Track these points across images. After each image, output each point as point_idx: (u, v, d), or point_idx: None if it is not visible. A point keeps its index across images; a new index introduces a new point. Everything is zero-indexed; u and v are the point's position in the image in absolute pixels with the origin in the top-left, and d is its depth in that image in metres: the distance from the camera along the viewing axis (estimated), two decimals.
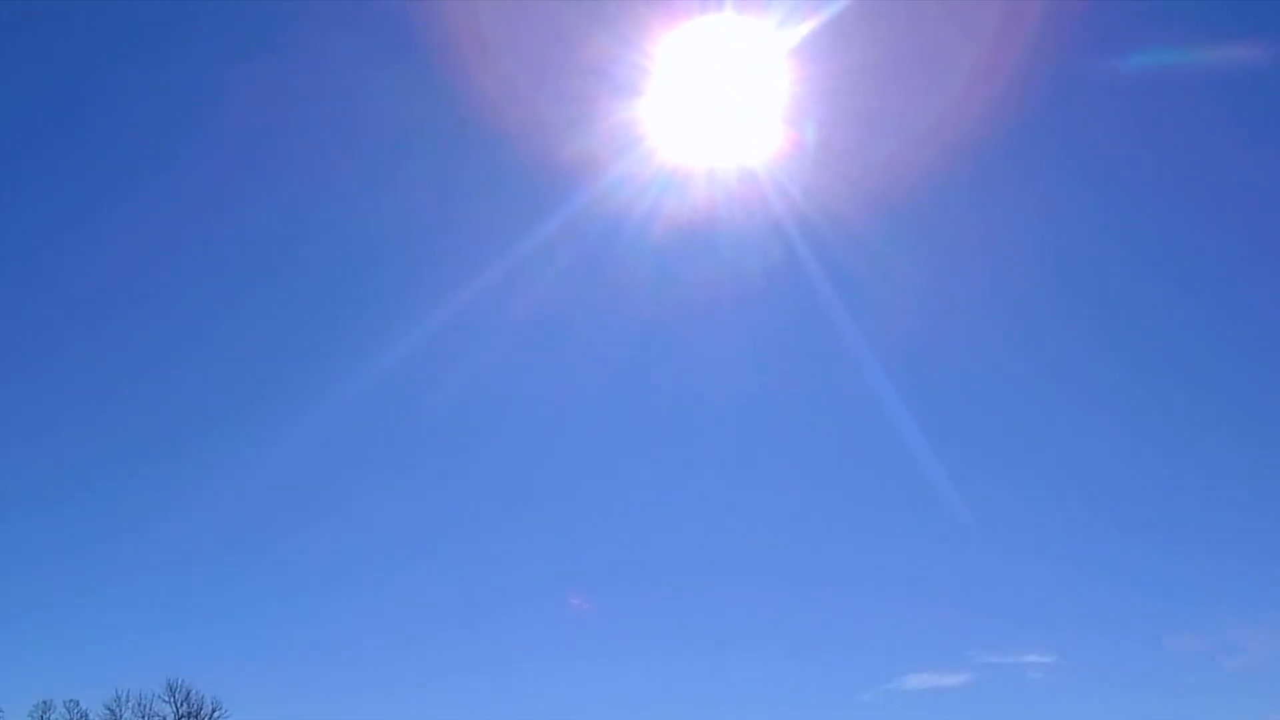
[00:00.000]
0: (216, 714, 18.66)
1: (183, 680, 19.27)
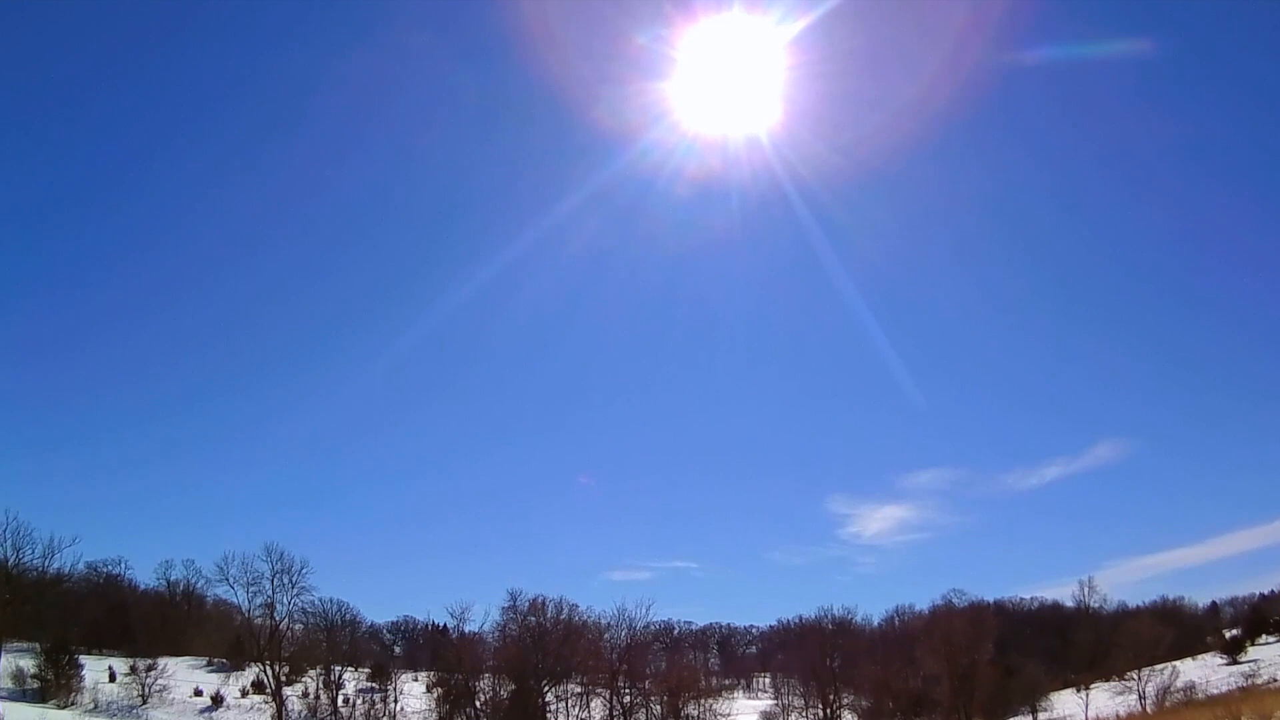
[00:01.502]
0: (304, 570, 21.37)
1: (277, 543, 22.03)
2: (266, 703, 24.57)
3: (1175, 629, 31.40)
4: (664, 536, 52.64)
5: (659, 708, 24.26)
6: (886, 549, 53.83)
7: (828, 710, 26.50)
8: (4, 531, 17.47)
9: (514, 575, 59.37)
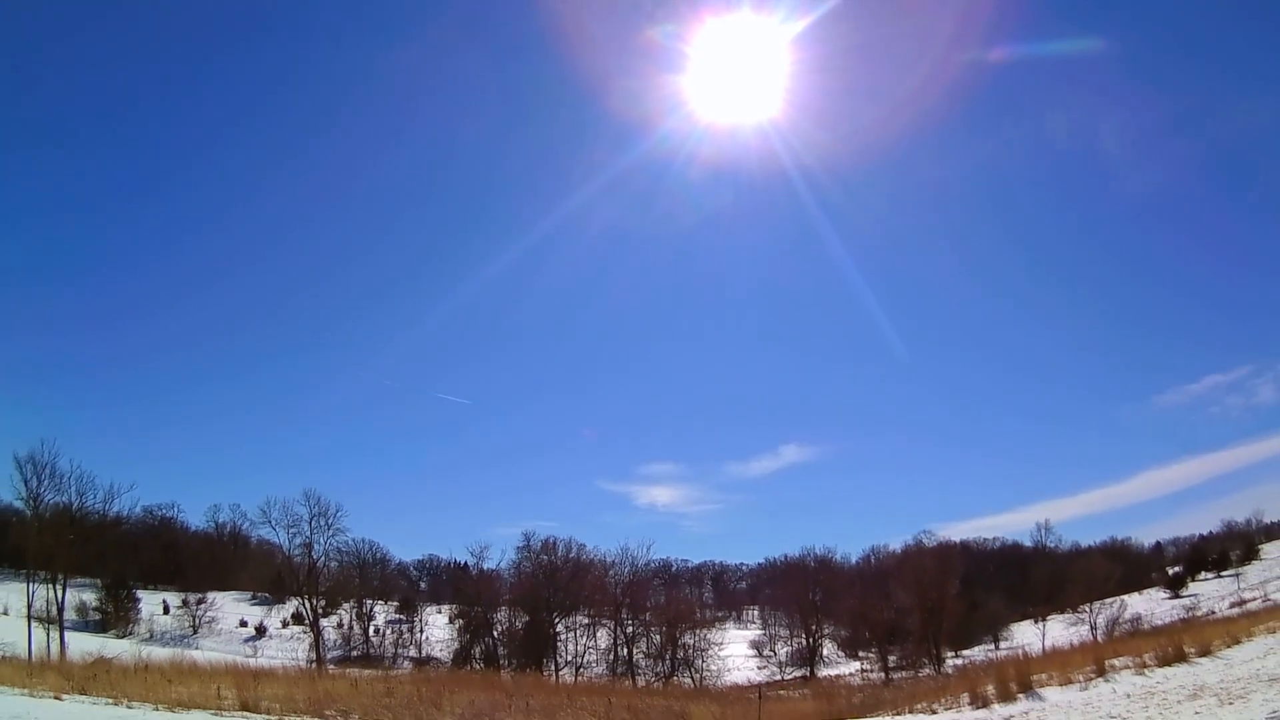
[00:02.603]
0: (338, 513, 22.60)
1: (315, 489, 23.21)
2: (305, 632, 25.81)
3: (1123, 566, 32.81)
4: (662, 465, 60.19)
5: (658, 637, 25.12)
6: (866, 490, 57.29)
7: (810, 639, 27.63)
8: (69, 479, 18.75)
9: (528, 518, 62.49)
